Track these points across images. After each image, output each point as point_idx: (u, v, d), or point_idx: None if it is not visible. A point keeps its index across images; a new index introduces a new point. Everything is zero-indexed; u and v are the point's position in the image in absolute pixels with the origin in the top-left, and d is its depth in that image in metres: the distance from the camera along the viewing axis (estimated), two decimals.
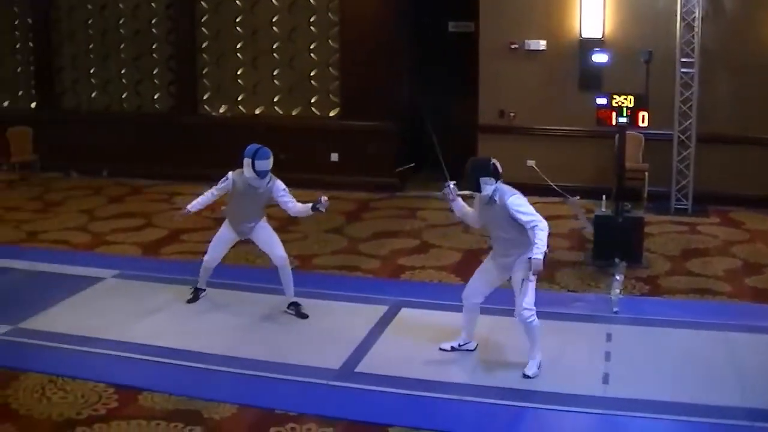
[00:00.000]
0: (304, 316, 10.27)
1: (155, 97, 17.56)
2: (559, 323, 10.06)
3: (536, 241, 8.58)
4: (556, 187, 12.70)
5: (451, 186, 9.27)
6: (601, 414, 8.13)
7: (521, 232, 8.72)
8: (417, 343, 9.60)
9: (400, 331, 9.95)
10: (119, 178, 17.03)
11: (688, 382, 8.67)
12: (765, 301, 10.94)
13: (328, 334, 9.84)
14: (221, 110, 17.23)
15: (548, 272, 11.85)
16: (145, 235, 13.59)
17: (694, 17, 14.49)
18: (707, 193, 14.84)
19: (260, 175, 10.01)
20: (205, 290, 10.79)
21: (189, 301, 10.67)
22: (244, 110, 17.11)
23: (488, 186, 8.76)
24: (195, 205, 10.46)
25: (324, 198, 10.14)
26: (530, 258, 8.62)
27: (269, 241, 10.49)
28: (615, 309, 10.43)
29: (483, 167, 8.84)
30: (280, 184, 10.30)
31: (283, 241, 12.95)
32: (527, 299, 8.74)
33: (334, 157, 16.45)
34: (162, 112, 17.57)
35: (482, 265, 9.28)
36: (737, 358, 9.18)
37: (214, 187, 10.34)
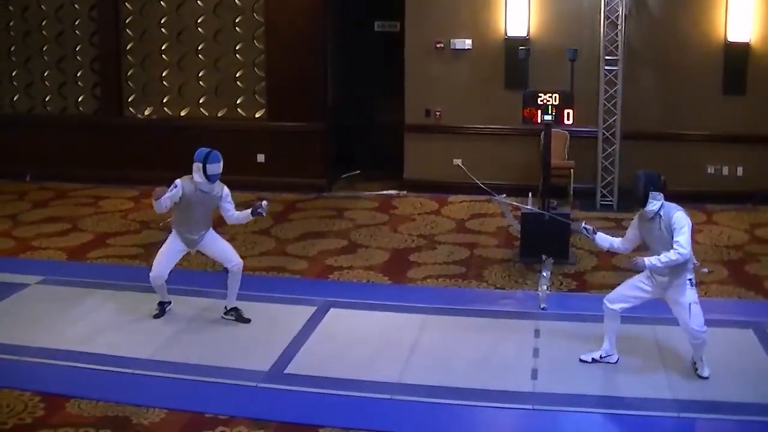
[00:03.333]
0: (246, 321, 10.13)
1: (79, 99, 17.33)
2: (488, 320, 10.13)
3: (663, 256, 8.48)
4: (482, 186, 12.77)
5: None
6: (530, 409, 8.21)
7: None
8: (346, 343, 9.60)
9: (329, 331, 9.95)
10: (43, 182, 16.79)
11: (616, 375, 8.78)
12: None
13: (257, 336, 9.80)
14: (146, 112, 17.05)
15: (476, 270, 11.96)
16: (71, 240, 13.40)
17: (618, 15, 14.65)
18: (632, 189, 14.94)
19: (211, 179, 9.76)
20: (170, 302, 10.42)
21: (155, 316, 10.28)
22: (169, 112, 16.95)
23: (655, 201, 8.65)
24: (163, 200, 9.82)
25: (264, 202, 10.05)
26: (643, 259, 8.62)
27: (222, 249, 10.22)
28: (543, 305, 10.52)
29: (654, 181, 8.69)
30: (227, 191, 10.08)
31: None
32: (697, 321, 8.59)
33: (261, 158, 16.37)
34: (86, 115, 17.33)
35: (637, 277, 9.04)
36: (665, 350, 9.32)
37: (164, 196, 9.79)
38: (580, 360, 9.09)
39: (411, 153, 16.03)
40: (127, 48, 16.95)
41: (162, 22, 16.74)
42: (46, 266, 12.16)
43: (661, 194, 8.66)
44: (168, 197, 9.76)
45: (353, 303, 10.69)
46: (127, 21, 16.87)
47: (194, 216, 9.98)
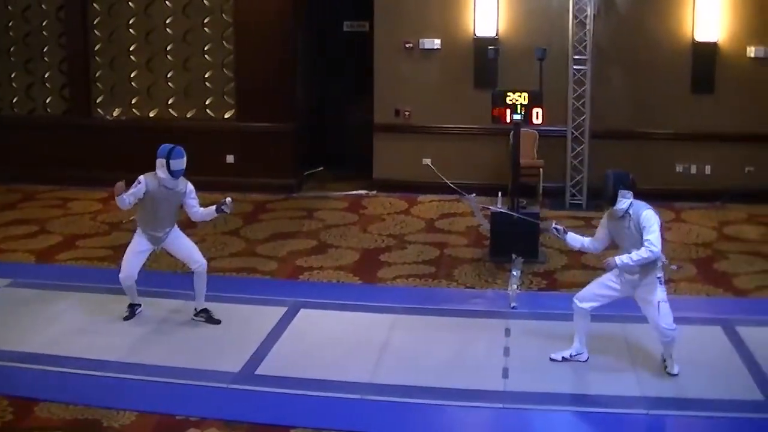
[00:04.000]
0: (216, 322, 10.08)
1: (47, 100, 17.23)
2: (459, 320, 10.15)
3: (635, 254, 8.52)
4: (452, 185, 12.81)
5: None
6: (501, 408, 8.23)
7: None
8: (317, 343, 9.60)
9: (300, 332, 9.94)
10: (11, 183, 16.67)
11: (586, 373, 8.82)
12: None
13: (227, 337, 9.77)
14: (115, 113, 16.96)
15: (447, 270, 11.98)
16: (39, 242, 13.31)
17: (586, 15, 14.70)
18: (601, 188, 14.98)
19: (175, 175, 9.71)
20: (140, 305, 10.33)
21: (125, 318, 10.18)
22: (138, 113, 16.87)
23: (624, 199, 8.67)
24: (125, 196, 9.80)
25: (228, 199, 10.03)
26: (614, 258, 8.64)
27: (186, 246, 10.18)
28: (513, 304, 10.55)
29: (623, 179, 8.72)
30: (191, 187, 10.04)
31: None
32: (666, 319, 8.64)
33: (230, 158, 16.32)
34: (55, 116, 17.23)
35: (607, 276, 9.06)
36: (633, 348, 9.37)
37: (127, 192, 9.77)
38: (551, 359, 9.12)
39: (380, 153, 16.03)
40: (96, 49, 16.85)
41: (130, 22, 16.66)
42: (14, 269, 12.06)
43: (631, 192, 8.69)
44: (131, 194, 9.75)
45: (324, 303, 10.67)
46: (95, 22, 16.78)
47: (159, 213, 9.92)
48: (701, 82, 15.12)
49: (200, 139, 16.14)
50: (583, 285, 11.26)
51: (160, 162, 9.70)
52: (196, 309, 10.18)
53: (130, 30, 16.69)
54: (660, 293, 8.66)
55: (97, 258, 12.57)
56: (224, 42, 16.39)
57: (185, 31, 16.48)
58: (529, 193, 14.23)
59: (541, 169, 15.03)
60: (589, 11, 14.70)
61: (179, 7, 16.44)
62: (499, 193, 12.65)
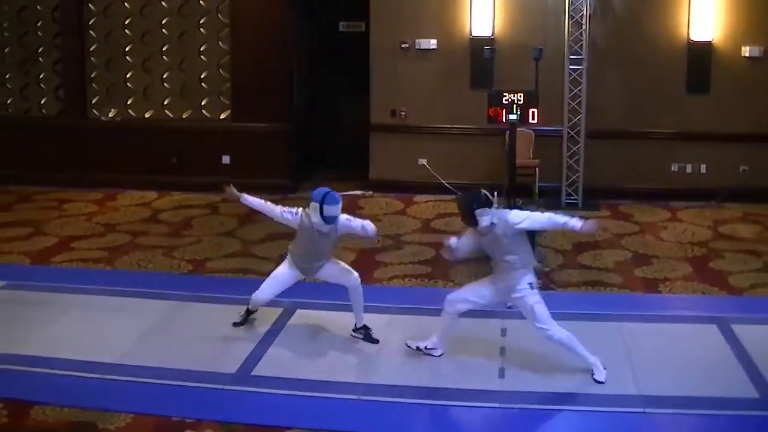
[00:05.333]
0: (374, 341, 9.68)
1: (42, 101, 17.21)
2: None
3: (560, 219, 8.69)
4: (448, 185, 12.82)
5: None
6: (498, 408, 8.24)
7: (524, 251, 8.75)
8: (313, 344, 9.61)
9: (295, 332, 9.93)
10: (6, 185, 16.64)
11: (582, 372, 8.80)
12: (655, 291, 11.18)
13: (223, 338, 9.76)
14: (111, 114, 16.95)
15: (443, 269, 11.97)
16: (34, 244, 13.28)
17: (582, 15, 14.72)
18: (597, 188, 15.09)
19: (328, 221, 9.30)
20: (255, 312, 10.13)
21: (236, 324, 10.02)
22: (134, 114, 16.86)
23: (485, 216, 8.64)
24: (250, 201, 9.69)
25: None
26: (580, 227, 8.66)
27: (339, 272, 9.77)
28: (509, 304, 10.51)
29: (475, 200, 8.70)
30: (342, 219, 9.47)
31: (176, 246, 12.96)
32: (542, 319, 8.71)
33: (226, 159, 16.31)
34: (50, 117, 17.21)
35: (482, 281, 9.16)
36: (630, 347, 9.37)
37: (282, 208, 9.59)
38: (406, 345, 9.25)
39: (377, 153, 16.02)
40: (91, 49, 16.84)
41: (126, 23, 16.65)
42: (9, 271, 12.03)
43: (487, 208, 8.69)
44: (284, 217, 9.58)
45: (320, 304, 10.63)
46: (90, 22, 16.76)
47: (314, 247, 9.60)
48: (696, 82, 15.12)
49: (196, 139, 16.20)
50: (578, 284, 11.38)
51: (314, 206, 9.29)
52: (355, 326, 9.81)
53: (126, 30, 16.67)
54: (532, 297, 8.73)
55: (93, 260, 12.55)
56: (220, 42, 16.38)
57: (181, 31, 16.47)
58: (525, 193, 14.23)
59: (537, 169, 15.04)
60: (585, 11, 14.70)
61: (175, 7, 16.43)
62: (495, 193, 12.59)
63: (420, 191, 15.50)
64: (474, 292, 9.07)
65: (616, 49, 15.25)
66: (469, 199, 8.75)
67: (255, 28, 15.99)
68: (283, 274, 9.80)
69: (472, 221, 8.70)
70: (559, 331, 8.73)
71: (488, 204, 8.71)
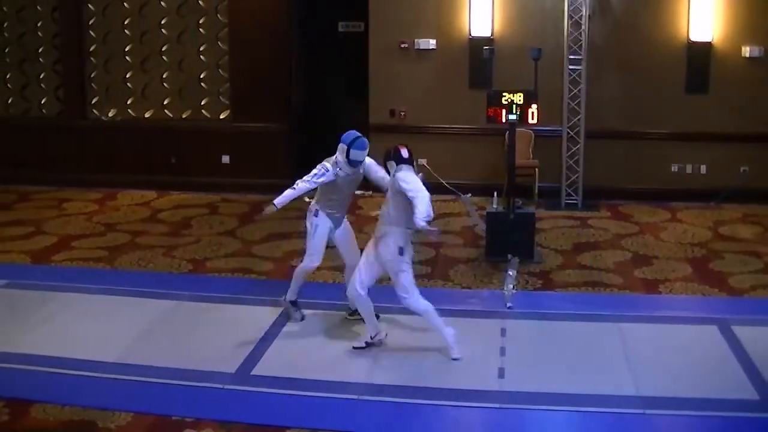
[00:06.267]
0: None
1: (42, 101, 17.21)
2: (454, 320, 10.07)
3: (421, 207, 8.82)
4: (448, 185, 12.81)
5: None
6: (497, 408, 8.23)
7: (402, 211, 9.02)
8: (312, 344, 9.59)
9: (295, 332, 9.92)
10: (6, 184, 16.65)
11: (582, 373, 8.81)
12: (654, 291, 11.18)
13: (223, 337, 9.75)
14: (110, 114, 16.96)
15: (443, 270, 11.98)
16: (35, 243, 13.29)
17: (581, 15, 14.72)
18: (597, 188, 15.09)
19: (353, 164, 9.56)
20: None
21: (299, 320, 10.15)
22: (133, 113, 16.87)
23: (390, 169, 9.19)
24: (283, 199, 9.63)
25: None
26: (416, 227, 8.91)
27: (351, 241, 10.06)
28: (509, 304, 10.54)
29: (386, 152, 9.23)
30: (370, 161, 9.79)
31: (176, 246, 12.96)
32: (404, 287, 9.12)
33: (226, 159, 16.32)
34: (50, 117, 17.22)
35: (365, 251, 9.48)
36: (629, 347, 9.36)
37: (311, 178, 9.56)
38: (354, 348, 9.37)
39: (376, 153, 15.95)
40: (91, 49, 16.85)
41: (125, 23, 16.65)
42: (9, 270, 12.03)
43: (394, 162, 9.17)
44: (317, 182, 9.62)
45: (319, 303, 10.64)
46: (90, 22, 16.77)
47: (341, 195, 9.87)
48: (696, 82, 15.13)
49: (195, 139, 16.21)
50: (578, 285, 11.38)
51: (342, 147, 9.56)
52: (349, 309, 10.01)
53: (125, 30, 16.68)
54: (398, 264, 9.05)
55: (93, 259, 12.55)
56: (219, 42, 16.39)
57: (180, 31, 16.48)
58: (524, 194, 14.24)
59: (536, 169, 15.05)
60: (584, 11, 14.71)
61: (174, 7, 16.44)
62: (495, 193, 12.63)
63: None
64: (364, 267, 9.30)
65: (615, 50, 15.25)
66: (388, 151, 9.24)
67: (254, 28, 16.00)
68: (323, 230, 9.88)
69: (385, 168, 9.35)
70: (417, 301, 9.11)
71: (398, 161, 9.10)
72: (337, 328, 9.93)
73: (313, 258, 9.93)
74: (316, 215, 9.84)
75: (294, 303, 10.20)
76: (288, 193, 9.61)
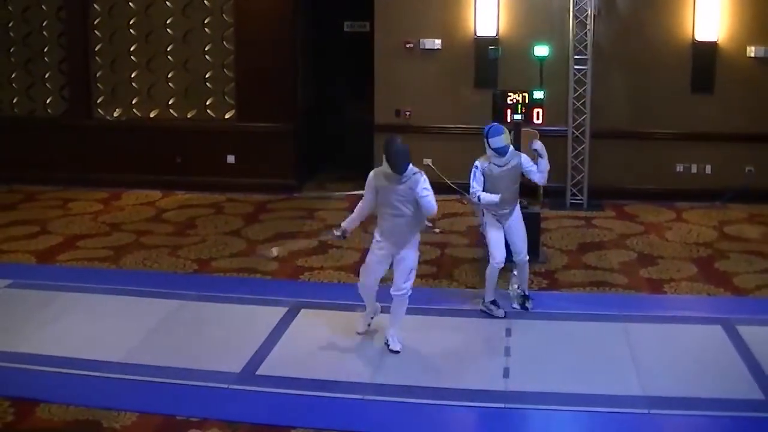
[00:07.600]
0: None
1: (48, 101, 17.22)
2: (459, 319, 10.15)
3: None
4: (453, 186, 12.78)
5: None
6: (503, 408, 8.24)
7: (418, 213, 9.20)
8: (318, 343, 9.59)
9: (300, 332, 9.93)
10: (11, 184, 16.66)
11: (587, 373, 8.81)
12: (660, 291, 11.17)
13: (228, 337, 9.76)
14: (116, 114, 16.96)
15: (447, 270, 11.97)
16: (40, 243, 13.30)
17: (587, 15, 14.70)
18: (602, 188, 15.08)
19: (499, 152, 9.85)
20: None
21: (502, 316, 10.16)
22: (138, 113, 16.86)
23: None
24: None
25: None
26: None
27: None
28: (514, 304, 10.53)
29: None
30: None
31: (181, 245, 12.97)
32: (407, 282, 9.29)
33: (231, 159, 16.32)
34: (55, 117, 17.23)
35: (371, 250, 9.54)
36: (635, 347, 9.36)
37: (471, 187, 9.99)
38: (392, 351, 9.34)
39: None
40: (96, 49, 16.84)
41: (131, 23, 16.65)
42: (14, 269, 12.05)
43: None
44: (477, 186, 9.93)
45: (324, 303, 10.66)
46: (95, 22, 16.76)
47: (500, 189, 10.01)
48: (701, 82, 15.10)
49: (201, 139, 16.20)
50: (583, 284, 11.38)
51: (486, 142, 9.86)
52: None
53: (131, 30, 16.68)
54: (414, 254, 9.29)
55: (98, 259, 12.56)
56: (224, 42, 16.38)
57: (186, 31, 16.47)
58: (529, 193, 14.22)
59: None
60: (590, 11, 14.69)
61: (179, 7, 16.43)
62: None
63: None
64: (375, 263, 9.42)
65: (620, 50, 15.23)
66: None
67: (259, 28, 15.99)
68: (493, 228, 10.21)
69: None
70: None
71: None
72: (342, 328, 9.93)
73: (494, 255, 10.12)
74: (483, 215, 10.22)
75: (494, 302, 10.28)
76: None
